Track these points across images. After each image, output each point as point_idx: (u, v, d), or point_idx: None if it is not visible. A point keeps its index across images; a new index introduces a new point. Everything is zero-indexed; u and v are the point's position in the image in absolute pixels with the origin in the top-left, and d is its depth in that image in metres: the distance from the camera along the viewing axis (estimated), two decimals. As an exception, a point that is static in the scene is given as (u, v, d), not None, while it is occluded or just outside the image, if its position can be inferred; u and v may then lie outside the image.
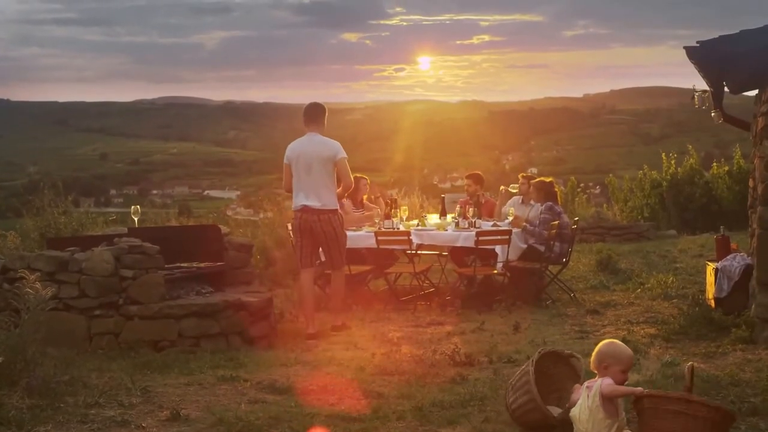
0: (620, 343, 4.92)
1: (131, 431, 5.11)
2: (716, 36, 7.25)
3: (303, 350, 7.57)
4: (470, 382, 6.21)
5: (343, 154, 8.43)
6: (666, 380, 6.02)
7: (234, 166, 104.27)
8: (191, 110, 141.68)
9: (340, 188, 8.65)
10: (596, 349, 4.80)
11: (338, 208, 8.61)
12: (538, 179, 10.81)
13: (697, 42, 7.27)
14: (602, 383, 4.63)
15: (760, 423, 5.04)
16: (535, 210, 10.44)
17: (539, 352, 5.25)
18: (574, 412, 4.71)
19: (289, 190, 8.59)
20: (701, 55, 7.31)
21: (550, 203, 10.25)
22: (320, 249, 8.63)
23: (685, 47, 7.23)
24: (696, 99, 8.14)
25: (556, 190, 10.85)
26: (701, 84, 8.34)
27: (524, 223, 10.23)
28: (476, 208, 10.25)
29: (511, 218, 10.38)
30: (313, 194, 8.34)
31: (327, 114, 8.62)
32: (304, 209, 8.35)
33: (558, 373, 5.37)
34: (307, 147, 8.44)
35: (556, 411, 5.00)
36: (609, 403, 4.61)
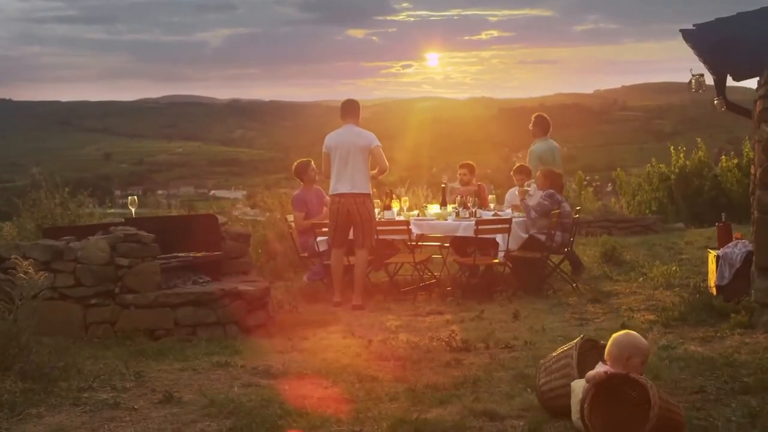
0: (636, 333, 4.81)
1: (123, 413, 5.13)
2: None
3: (300, 338, 7.56)
4: (465, 366, 6.20)
5: (377, 142, 9.35)
6: (661, 362, 5.99)
7: (240, 165, 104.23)
8: (196, 109, 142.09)
9: (376, 171, 9.46)
10: (614, 340, 4.64)
11: (371, 192, 9.51)
12: (547, 168, 10.72)
13: (694, 25, 7.22)
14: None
15: (752, 401, 5.01)
16: (536, 198, 10.40)
17: (581, 338, 5.13)
18: (576, 384, 4.67)
19: (328, 176, 9.51)
20: (697, 39, 7.27)
21: (552, 191, 10.18)
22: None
23: (681, 30, 7.19)
24: (693, 83, 8.08)
25: (563, 183, 10.80)
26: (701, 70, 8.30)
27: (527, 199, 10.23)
28: (476, 198, 10.23)
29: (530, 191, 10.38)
30: (350, 180, 9.25)
31: (361, 109, 9.64)
32: (343, 194, 9.25)
33: (591, 363, 5.26)
34: (345, 137, 9.36)
35: None
36: None
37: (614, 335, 4.70)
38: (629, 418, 4.34)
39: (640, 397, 4.33)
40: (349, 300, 9.27)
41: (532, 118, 11.49)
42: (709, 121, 79.38)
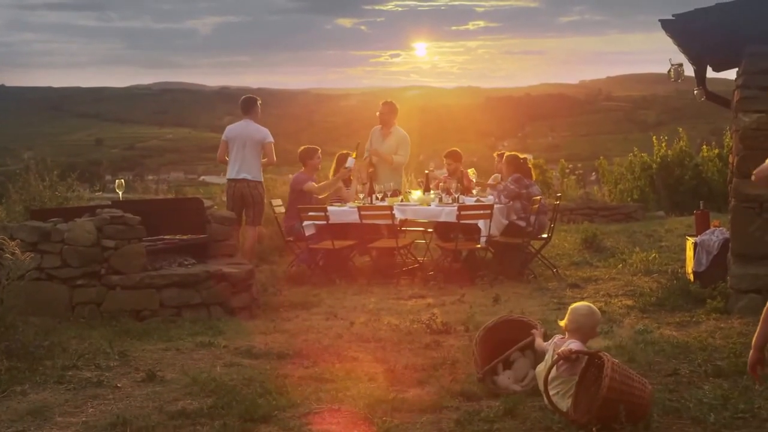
0: (589, 304, 4.98)
1: (107, 391, 5.23)
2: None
3: (283, 320, 7.67)
4: (444, 348, 6.31)
5: (270, 138, 10.44)
6: (636, 346, 6.12)
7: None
8: (186, 96, 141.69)
9: (266, 160, 10.43)
10: (581, 315, 4.79)
11: (262, 180, 10.53)
12: (511, 153, 10.83)
13: (673, 15, 7.30)
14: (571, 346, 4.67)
15: (724, 383, 5.15)
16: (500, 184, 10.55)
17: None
18: (540, 368, 4.78)
19: (222, 162, 10.65)
20: (676, 29, 7.33)
21: (518, 175, 10.27)
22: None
23: (660, 20, 7.24)
24: (671, 72, 8.17)
25: (529, 166, 10.87)
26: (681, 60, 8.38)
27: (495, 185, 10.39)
28: (459, 184, 10.32)
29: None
30: (246, 169, 10.22)
31: (260, 104, 10.67)
32: (240, 180, 10.21)
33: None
34: (244, 130, 10.41)
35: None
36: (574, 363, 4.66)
37: (576, 309, 4.84)
38: (587, 391, 4.49)
39: (598, 371, 4.47)
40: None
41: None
42: (693, 111, 79.65)
